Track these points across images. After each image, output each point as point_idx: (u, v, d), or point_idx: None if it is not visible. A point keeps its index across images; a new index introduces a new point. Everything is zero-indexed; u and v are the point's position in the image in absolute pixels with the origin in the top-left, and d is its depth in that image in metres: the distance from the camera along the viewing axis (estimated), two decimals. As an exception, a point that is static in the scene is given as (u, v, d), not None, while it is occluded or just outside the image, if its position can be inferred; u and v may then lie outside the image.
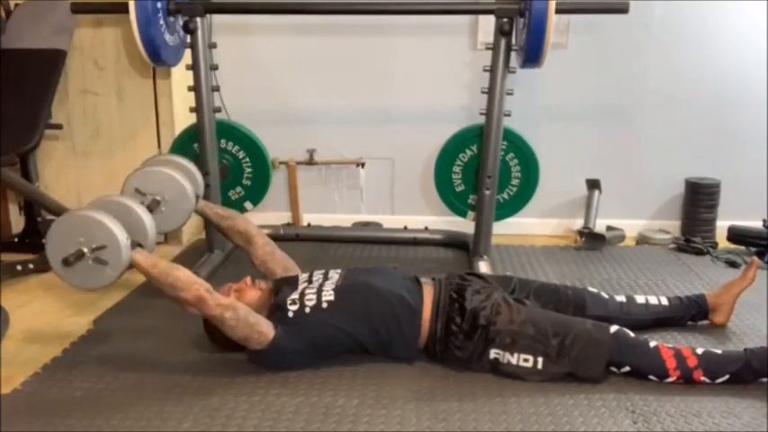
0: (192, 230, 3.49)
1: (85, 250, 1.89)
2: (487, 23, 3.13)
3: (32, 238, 3.20)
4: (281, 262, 2.31)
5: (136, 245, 1.96)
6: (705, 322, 2.34)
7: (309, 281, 2.12)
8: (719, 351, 1.96)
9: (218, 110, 3.01)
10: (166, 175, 2.32)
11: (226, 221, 2.41)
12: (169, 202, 2.31)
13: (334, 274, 2.13)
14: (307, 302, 2.00)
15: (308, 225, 3.53)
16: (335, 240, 3.36)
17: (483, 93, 2.82)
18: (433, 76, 3.41)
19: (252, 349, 1.96)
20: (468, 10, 3.09)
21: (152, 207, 2.24)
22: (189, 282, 1.89)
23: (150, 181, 2.30)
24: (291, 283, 2.14)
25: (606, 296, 2.27)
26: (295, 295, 2.03)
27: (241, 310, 1.91)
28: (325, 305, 1.99)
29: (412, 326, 2.02)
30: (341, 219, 3.57)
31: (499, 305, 2.00)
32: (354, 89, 3.49)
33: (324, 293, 2.02)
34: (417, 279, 2.14)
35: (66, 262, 1.88)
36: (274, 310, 2.02)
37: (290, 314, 1.98)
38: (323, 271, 2.18)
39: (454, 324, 1.99)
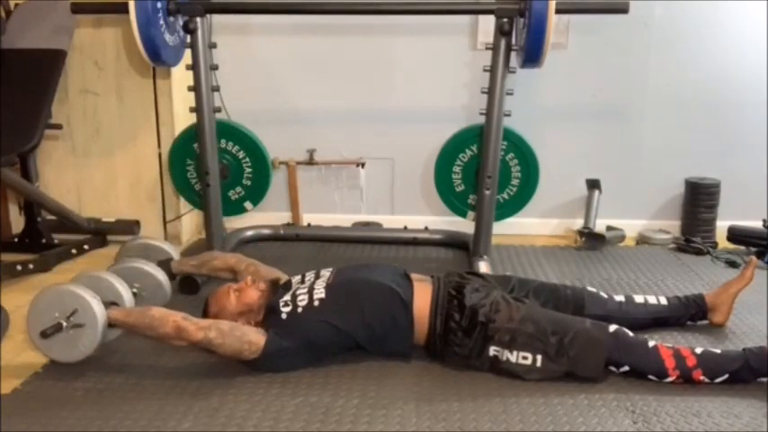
0: (192, 230, 3.49)
1: (63, 322, 1.93)
2: (487, 23, 3.13)
3: (32, 238, 3.20)
4: (268, 275, 2.31)
5: (110, 304, 2.01)
6: (704, 322, 2.34)
7: (302, 281, 2.13)
8: (718, 351, 1.96)
9: (218, 110, 3.01)
10: (131, 269, 2.34)
11: (204, 267, 2.44)
12: (145, 289, 2.33)
13: (326, 273, 2.13)
14: (299, 303, 2.00)
15: (308, 225, 3.53)
16: (335, 240, 3.36)
17: (483, 93, 2.82)
18: (433, 76, 3.41)
19: (246, 360, 1.96)
20: (468, 10, 3.09)
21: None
22: (164, 316, 1.91)
23: (127, 276, 2.29)
24: (286, 286, 2.15)
25: (605, 295, 2.27)
26: (287, 297, 2.04)
27: (224, 326, 1.92)
28: (317, 303, 1.99)
29: (404, 318, 2.02)
30: (341, 219, 3.57)
31: (498, 303, 2.00)
32: (354, 89, 3.49)
33: (315, 292, 2.02)
34: (407, 274, 2.14)
35: (44, 334, 1.93)
36: (268, 312, 2.03)
37: (284, 315, 1.98)
38: (314, 271, 2.18)
39: (453, 321, 2.00)
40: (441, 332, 2.01)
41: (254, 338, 1.93)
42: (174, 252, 2.53)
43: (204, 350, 1.99)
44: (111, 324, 1.96)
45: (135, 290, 2.28)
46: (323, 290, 2.03)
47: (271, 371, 1.99)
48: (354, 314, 2.00)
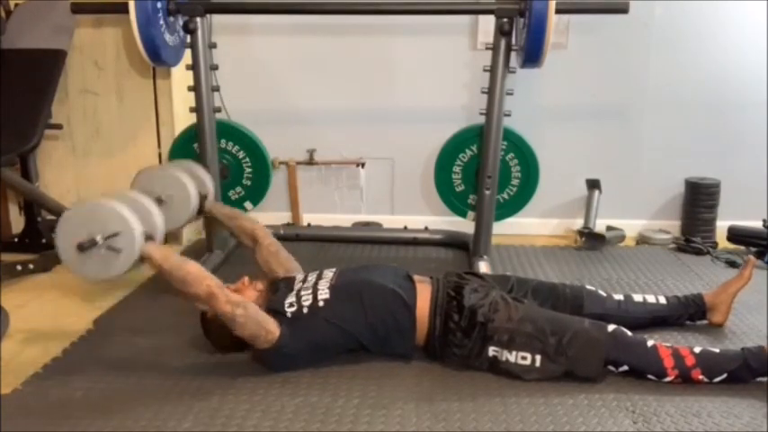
0: (192, 230, 3.49)
1: (98, 238, 1.87)
2: (487, 23, 3.13)
3: (32, 238, 3.20)
4: (285, 263, 2.32)
5: (148, 237, 1.96)
6: (703, 322, 2.34)
7: (304, 281, 2.13)
8: (717, 350, 1.96)
9: (218, 110, 3.01)
10: (170, 175, 2.34)
11: (233, 221, 2.44)
12: (172, 202, 2.32)
13: (329, 273, 2.13)
14: (303, 303, 2.00)
15: (308, 225, 3.53)
16: (335, 240, 3.36)
17: (483, 93, 2.82)
18: (433, 76, 3.41)
19: (259, 348, 1.95)
20: (469, 10, 3.09)
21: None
22: (200, 277, 1.89)
23: (154, 180, 2.32)
24: (288, 284, 2.14)
25: (604, 294, 2.27)
26: (292, 297, 2.03)
27: (251, 308, 1.91)
28: (321, 303, 1.99)
29: (407, 320, 2.02)
30: (341, 219, 3.57)
31: (497, 303, 2.00)
32: (354, 89, 3.49)
33: (319, 292, 2.02)
34: (409, 275, 2.14)
35: (81, 247, 1.86)
36: (272, 313, 2.02)
37: (289, 315, 1.98)
38: (317, 271, 2.18)
39: (452, 321, 2.00)
40: (440, 333, 2.01)
41: (272, 328, 1.93)
42: (212, 191, 2.54)
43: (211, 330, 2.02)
44: (142, 258, 1.93)
45: (164, 197, 2.27)
46: (327, 290, 2.03)
47: (275, 365, 1.99)
48: (358, 315, 2.00)
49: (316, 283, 2.07)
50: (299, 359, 2.00)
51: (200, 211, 2.50)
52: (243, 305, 1.89)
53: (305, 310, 1.98)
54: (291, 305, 2.00)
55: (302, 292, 2.04)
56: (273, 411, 1.80)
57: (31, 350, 2.20)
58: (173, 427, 1.73)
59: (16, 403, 1.85)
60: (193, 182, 2.41)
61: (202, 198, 2.47)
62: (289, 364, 1.99)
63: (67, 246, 1.90)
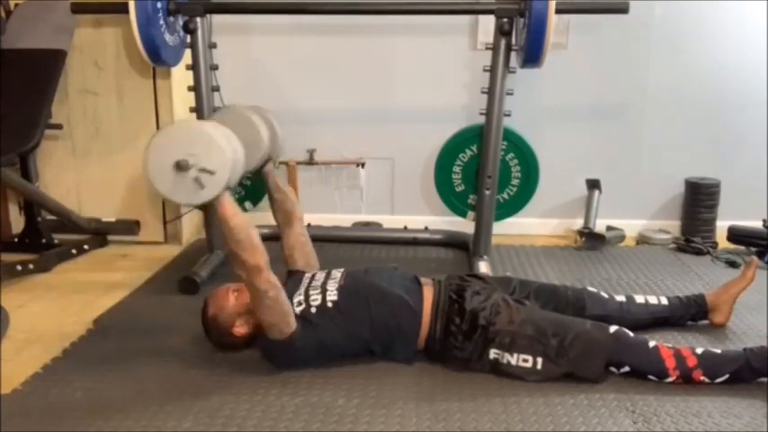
0: (192, 230, 3.49)
1: (192, 164, 1.83)
2: (487, 23, 3.12)
3: (32, 238, 3.20)
4: (307, 257, 2.33)
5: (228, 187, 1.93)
6: (705, 322, 2.34)
7: (312, 279, 2.12)
8: (719, 351, 1.96)
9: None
10: (248, 120, 2.26)
11: (279, 194, 2.40)
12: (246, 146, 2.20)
13: (337, 273, 2.13)
14: (312, 302, 2.00)
15: (308, 225, 3.52)
16: (335, 240, 3.35)
17: (483, 93, 2.82)
18: (433, 76, 3.41)
19: (271, 338, 1.95)
20: (469, 10, 3.09)
21: None
22: (257, 246, 1.88)
23: (235, 123, 2.17)
24: (295, 280, 2.14)
25: (606, 296, 2.27)
26: (300, 296, 2.03)
27: (282, 296, 1.92)
28: (330, 305, 1.99)
29: (412, 326, 2.02)
30: (341, 219, 3.57)
31: (499, 305, 2.00)
32: (354, 89, 3.49)
33: (328, 293, 2.02)
34: (417, 279, 2.14)
35: (179, 166, 1.82)
36: None
37: (297, 312, 1.98)
38: (326, 270, 2.18)
39: (454, 325, 1.99)
40: (441, 336, 2.01)
41: (291, 321, 1.93)
42: (278, 155, 2.49)
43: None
44: (212, 204, 1.90)
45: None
46: (336, 291, 2.03)
47: (281, 360, 1.99)
48: (364, 320, 2.00)
49: (324, 283, 2.07)
50: (305, 357, 1.99)
51: (259, 171, 2.42)
52: (277, 289, 1.90)
53: (313, 310, 1.98)
54: (300, 303, 2.00)
55: (311, 291, 2.04)
56: (273, 411, 1.80)
57: (31, 350, 2.20)
58: (173, 427, 1.73)
59: (16, 403, 1.85)
60: (270, 141, 2.32)
61: (267, 159, 2.40)
62: (294, 361, 1.99)
63: (164, 157, 1.83)
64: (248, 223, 1.91)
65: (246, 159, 2.10)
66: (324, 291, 2.03)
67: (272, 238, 3.44)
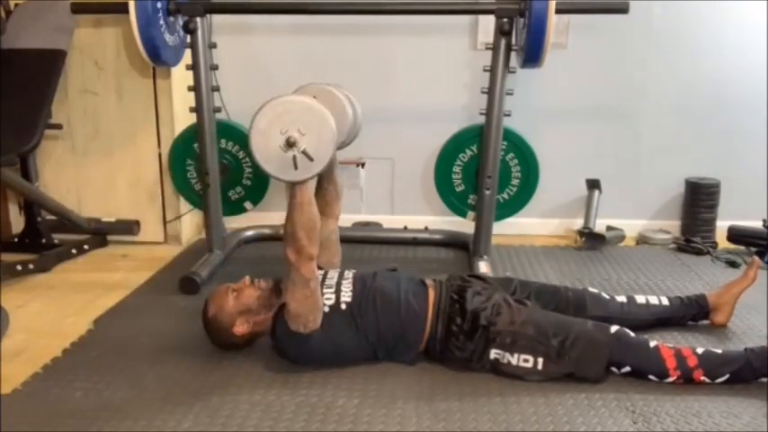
0: (192, 230, 3.49)
1: (296, 140, 1.79)
2: (487, 23, 3.13)
3: (32, 238, 3.21)
4: (332, 255, 2.31)
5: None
6: (705, 322, 2.34)
7: (325, 277, 2.11)
8: (720, 351, 1.96)
9: (218, 110, 3.01)
10: (343, 108, 2.21)
11: (329, 184, 2.33)
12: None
13: (349, 274, 2.13)
14: (325, 301, 2.00)
15: (308, 225, 3.52)
16: (335, 240, 3.35)
17: (483, 93, 2.82)
18: (433, 76, 3.41)
19: (293, 329, 1.93)
20: (469, 10, 3.09)
21: None
22: (317, 240, 1.89)
23: (329, 102, 2.11)
24: None
25: (607, 297, 2.26)
26: None
27: (318, 291, 1.93)
28: (343, 306, 1.99)
29: (416, 331, 2.02)
30: (341, 219, 3.54)
31: (500, 306, 2.00)
32: (354, 89, 3.45)
33: (342, 293, 2.02)
34: (423, 282, 2.13)
35: (288, 142, 1.79)
36: (281, 307, 2.01)
37: None
38: (338, 270, 2.17)
39: (455, 325, 1.99)
40: (442, 336, 2.01)
41: (319, 319, 1.94)
42: (352, 138, 2.42)
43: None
44: (294, 184, 1.88)
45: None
46: (350, 293, 2.03)
47: (291, 353, 2.00)
48: (371, 324, 1.99)
49: (339, 283, 2.07)
50: (315, 355, 1.99)
51: None
52: (317, 283, 1.92)
53: (326, 309, 1.98)
54: None
55: (325, 290, 2.03)
56: (273, 411, 1.80)
57: (31, 350, 2.20)
58: (173, 427, 1.73)
59: (16, 403, 1.85)
60: (354, 118, 2.25)
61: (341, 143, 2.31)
62: (304, 357, 2.00)
63: (275, 125, 1.80)
64: (315, 209, 1.91)
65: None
66: (338, 291, 2.03)
67: (273, 239, 3.46)
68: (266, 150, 1.82)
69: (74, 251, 3.15)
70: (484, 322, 1.96)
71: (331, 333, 1.97)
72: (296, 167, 1.81)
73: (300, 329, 1.93)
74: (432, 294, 2.07)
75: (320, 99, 2.00)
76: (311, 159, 1.81)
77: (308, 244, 1.87)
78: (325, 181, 2.32)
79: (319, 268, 2.20)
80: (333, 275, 2.12)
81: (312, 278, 1.89)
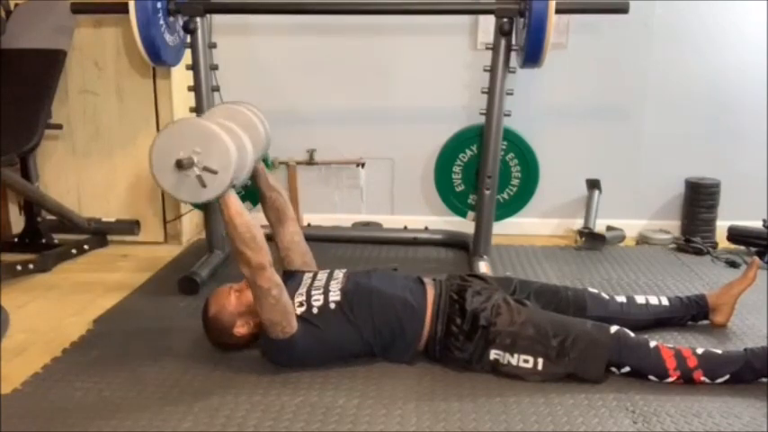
0: (192, 230, 3.49)
1: (196, 161, 1.81)
2: (487, 23, 3.13)
3: (32, 238, 3.21)
4: (303, 255, 2.31)
5: (232, 184, 1.92)
6: (705, 322, 2.34)
7: (314, 279, 2.12)
8: (720, 351, 1.96)
9: (218, 110, 3.01)
10: (249, 120, 2.24)
11: (271, 192, 2.35)
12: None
13: (339, 274, 2.13)
14: (314, 303, 2.00)
15: (308, 225, 3.53)
16: (335, 240, 3.35)
17: (483, 93, 2.82)
18: (433, 76, 3.41)
19: (271, 337, 1.95)
20: (469, 10, 3.09)
21: None
22: (262, 246, 1.88)
23: (234, 119, 2.16)
24: (295, 280, 2.14)
25: (606, 297, 2.27)
26: (302, 296, 2.03)
27: (284, 296, 1.92)
28: (332, 306, 1.99)
29: (414, 328, 2.02)
30: (341, 219, 3.57)
31: (499, 306, 2.00)
32: (354, 89, 3.49)
33: (331, 293, 2.02)
34: (421, 279, 2.14)
35: (179, 164, 1.81)
36: None
37: (298, 313, 1.98)
38: (327, 270, 2.17)
39: (454, 325, 1.99)
40: (442, 336, 2.01)
41: (293, 321, 1.93)
42: (266, 150, 2.44)
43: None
44: (218, 200, 1.89)
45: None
46: (339, 292, 2.03)
47: (282, 360, 1.99)
48: (366, 321, 1.99)
49: (327, 284, 2.07)
50: (306, 357, 1.99)
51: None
52: (280, 289, 1.90)
53: (314, 311, 1.98)
54: (301, 304, 2.00)
55: (313, 292, 2.04)
56: (273, 411, 1.80)
57: (31, 350, 2.20)
58: (173, 427, 1.73)
59: (16, 403, 1.85)
60: (264, 135, 2.30)
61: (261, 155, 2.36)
62: (295, 361, 1.99)
63: (167, 154, 1.82)
64: (253, 222, 1.91)
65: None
66: (326, 292, 2.03)
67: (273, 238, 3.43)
68: (172, 180, 1.84)
69: (74, 251, 3.15)
70: (483, 323, 1.96)
71: (318, 333, 1.97)
72: (204, 185, 1.83)
73: (279, 336, 1.93)
74: (430, 293, 2.07)
75: (226, 116, 2.09)
76: (215, 172, 1.82)
77: (253, 254, 1.86)
78: (264, 191, 2.35)
79: (299, 271, 2.20)
80: (322, 277, 2.12)
81: (271, 286, 1.88)
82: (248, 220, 1.89)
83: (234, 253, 1.92)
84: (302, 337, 1.95)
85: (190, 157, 1.81)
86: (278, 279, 1.92)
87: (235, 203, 1.89)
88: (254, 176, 2.36)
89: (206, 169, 1.82)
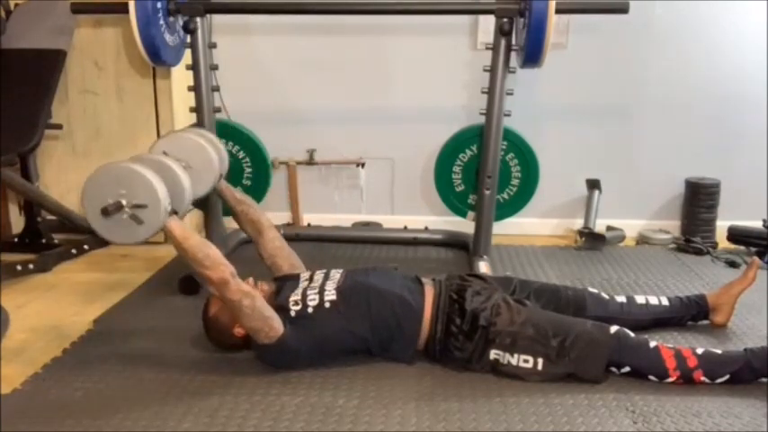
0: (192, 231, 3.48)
1: (125, 203, 1.86)
2: (487, 23, 3.13)
3: (32, 238, 3.20)
4: (289, 258, 2.31)
5: (172, 212, 1.95)
6: (705, 322, 2.34)
7: (311, 280, 2.12)
8: (719, 351, 1.96)
9: (218, 110, 3.01)
10: (195, 143, 2.29)
11: (241, 206, 2.40)
12: (195, 171, 2.26)
13: (336, 274, 2.13)
14: (309, 302, 2.00)
15: (308, 225, 3.53)
16: (335, 240, 3.36)
17: (483, 93, 2.82)
18: (433, 76, 3.41)
19: (259, 343, 1.95)
20: (468, 10, 3.09)
21: None
22: (217, 262, 1.89)
23: (179, 146, 2.25)
24: (293, 281, 2.14)
25: (606, 297, 2.27)
26: (297, 296, 2.03)
27: (258, 301, 1.92)
28: (327, 305, 1.99)
29: (412, 326, 2.02)
30: (341, 219, 3.57)
31: (499, 306, 2.00)
32: (354, 89, 3.49)
33: (326, 293, 2.02)
34: (419, 279, 2.14)
35: (105, 212, 1.85)
36: (276, 310, 2.02)
37: (293, 314, 1.98)
38: (324, 271, 2.18)
39: (454, 325, 1.99)
40: (441, 336, 2.01)
41: (276, 324, 1.93)
42: (226, 168, 2.48)
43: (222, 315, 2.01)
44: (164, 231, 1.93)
45: (184, 164, 2.22)
46: (334, 291, 2.03)
47: (275, 362, 1.99)
48: (364, 319, 1.99)
49: (323, 284, 2.07)
50: (299, 358, 1.99)
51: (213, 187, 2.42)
52: (251, 296, 1.90)
53: (309, 310, 1.98)
54: (296, 303, 2.00)
55: (308, 292, 2.04)
56: (273, 411, 1.80)
57: (31, 350, 2.20)
58: (173, 427, 1.73)
59: (16, 403, 1.85)
60: (218, 158, 2.35)
61: (219, 176, 2.41)
62: (288, 362, 1.99)
63: (94, 207, 1.88)
64: (201, 241, 1.93)
65: (200, 183, 2.19)
66: (321, 291, 2.03)
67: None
68: (108, 226, 1.91)
69: (74, 251, 3.15)
70: (483, 323, 1.96)
71: (311, 332, 1.97)
72: (141, 221, 1.87)
73: (266, 341, 1.94)
74: (429, 293, 2.07)
75: (165, 146, 2.18)
76: (144, 206, 1.86)
77: (211, 272, 1.88)
78: (233, 206, 2.40)
79: (293, 274, 2.20)
80: (318, 278, 2.13)
81: (241, 297, 1.88)
82: (197, 242, 1.92)
83: (196, 275, 1.94)
84: (292, 337, 1.95)
85: (116, 201, 1.86)
86: (246, 288, 1.92)
87: (178, 229, 1.92)
88: (219, 195, 2.42)
89: (136, 206, 1.86)
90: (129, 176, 1.88)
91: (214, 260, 1.89)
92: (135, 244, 1.97)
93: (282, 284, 2.14)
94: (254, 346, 2.01)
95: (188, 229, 1.97)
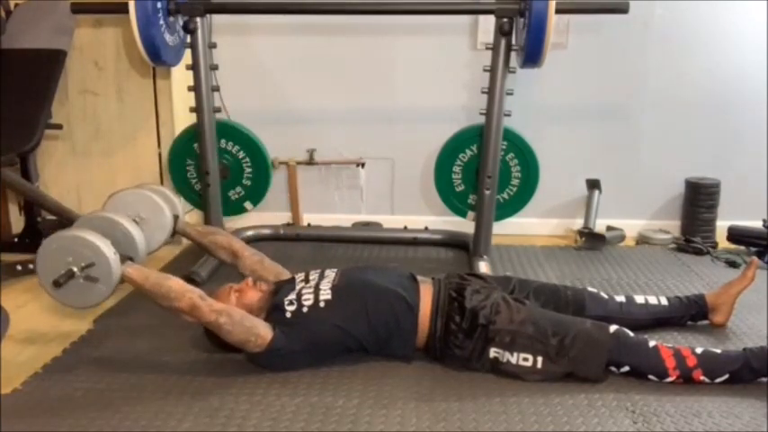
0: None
1: (75, 269, 1.90)
2: (487, 23, 3.13)
3: (32, 238, 3.20)
4: (272, 269, 2.31)
5: (126, 259, 1.98)
6: (705, 322, 2.34)
7: (306, 280, 2.12)
8: (719, 351, 1.96)
9: (218, 110, 3.01)
10: (143, 197, 2.36)
11: (207, 237, 2.41)
12: (146, 221, 2.33)
13: (331, 273, 2.13)
14: (304, 302, 2.00)
15: (308, 225, 3.53)
16: (335, 240, 3.36)
17: (483, 93, 2.82)
18: (433, 76, 3.41)
19: (250, 352, 1.96)
20: (469, 10, 3.09)
21: None
22: (182, 291, 1.90)
23: (128, 202, 2.33)
24: (289, 283, 2.14)
25: (606, 296, 2.27)
26: (292, 296, 2.03)
27: (236, 315, 1.92)
28: (322, 304, 1.99)
29: (409, 322, 2.02)
30: (341, 219, 3.57)
31: (499, 304, 2.00)
32: (354, 89, 3.49)
33: (321, 293, 2.02)
34: (413, 276, 2.14)
35: (57, 283, 1.90)
36: (272, 310, 2.02)
37: (288, 314, 1.98)
38: (319, 270, 2.18)
39: (453, 323, 1.99)
40: (441, 334, 2.01)
41: (262, 332, 1.93)
42: (180, 208, 2.51)
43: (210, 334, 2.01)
44: (124, 280, 1.95)
45: (138, 219, 2.28)
46: (329, 290, 2.02)
47: (270, 367, 1.99)
48: (360, 317, 1.99)
49: (318, 284, 2.07)
50: (296, 359, 1.99)
51: (173, 232, 2.44)
52: (227, 313, 1.90)
53: (305, 310, 1.98)
54: (291, 303, 2.00)
55: (303, 292, 2.04)
56: (273, 411, 1.80)
57: (31, 350, 2.20)
58: (173, 427, 1.73)
59: (16, 403, 1.85)
60: (166, 203, 2.41)
61: (174, 218, 2.43)
62: (285, 365, 1.99)
63: (47, 281, 1.93)
64: (162, 276, 1.95)
65: (157, 229, 2.30)
66: (317, 291, 2.03)
67: (273, 239, 3.46)
68: (67, 294, 1.93)
69: (74, 251, 3.14)
70: (483, 321, 1.96)
71: (305, 332, 1.97)
72: (96, 280, 1.91)
73: (256, 350, 1.94)
74: (429, 291, 2.07)
75: (117, 204, 2.29)
76: (92, 264, 1.90)
77: (178, 303, 1.89)
78: (200, 241, 2.42)
79: (286, 281, 2.20)
80: (313, 277, 2.12)
81: (217, 316, 1.89)
82: (156, 279, 1.93)
83: (168, 311, 1.95)
84: (284, 339, 1.95)
85: (67, 270, 1.89)
86: (219, 306, 1.92)
87: (135, 273, 1.94)
88: (183, 236, 2.45)
89: (85, 267, 1.90)
90: (71, 243, 1.92)
91: (177, 291, 1.90)
92: (102, 302, 1.99)
93: (280, 287, 2.14)
94: (246, 356, 2.00)
95: (145, 269, 1.98)
